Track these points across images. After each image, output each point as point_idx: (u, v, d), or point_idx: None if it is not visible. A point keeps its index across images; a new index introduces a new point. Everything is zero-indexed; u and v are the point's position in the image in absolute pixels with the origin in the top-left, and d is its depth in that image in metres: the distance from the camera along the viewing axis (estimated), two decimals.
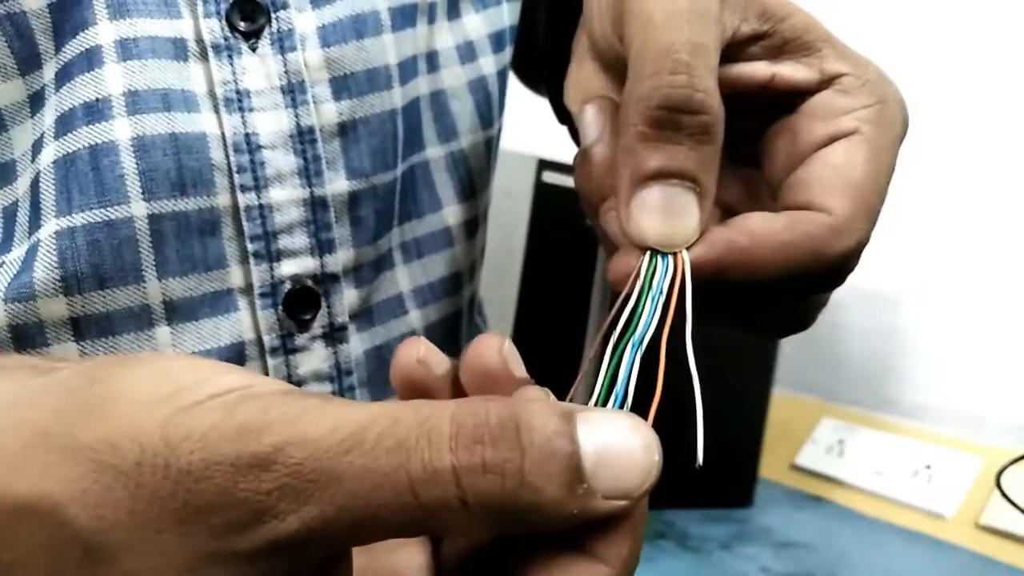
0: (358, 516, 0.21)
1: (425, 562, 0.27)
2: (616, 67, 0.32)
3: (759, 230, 0.29)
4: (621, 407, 0.25)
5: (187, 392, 0.22)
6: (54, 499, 0.22)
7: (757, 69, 0.32)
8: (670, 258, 0.28)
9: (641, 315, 0.27)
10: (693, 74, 0.28)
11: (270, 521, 0.21)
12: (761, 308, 0.32)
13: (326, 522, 0.21)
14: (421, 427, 0.21)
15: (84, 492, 0.22)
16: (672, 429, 0.25)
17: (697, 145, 0.28)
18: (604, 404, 0.26)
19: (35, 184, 0.33)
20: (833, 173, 0.30)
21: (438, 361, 0.27)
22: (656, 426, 0.24)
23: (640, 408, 0.25)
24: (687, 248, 0.28)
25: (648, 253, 0.28)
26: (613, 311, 0.27)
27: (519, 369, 0.26)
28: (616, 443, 0.22)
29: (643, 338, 0.27)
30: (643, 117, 0.28)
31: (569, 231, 0.73)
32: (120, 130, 0.33)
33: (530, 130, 0.53)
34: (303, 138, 0.36)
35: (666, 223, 0.28)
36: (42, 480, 0.22)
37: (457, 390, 0.27)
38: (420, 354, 0.27)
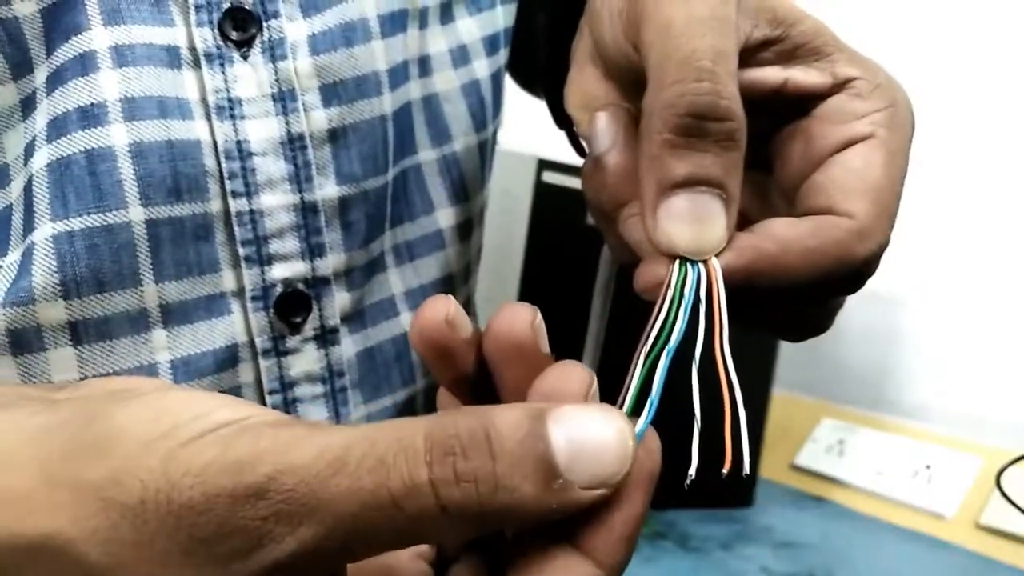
0: (349, 533, 0.22)
1: (423, 555, 0.28)
2: (622, 73, 0.32)
3: (785, 236, 0.29)
4: (701, 425, 0.25)
5: (184, 428, 0.23)
6: (65, 538, 0.22)
7: (769, 74, 0.32)
8: (700, 266, 0.28)
9: (675, 324, 0.27)
10: (717, 81, 0.27)
11: (268, 545, 0.22)
12: (781, 312, 0.32)
13: (320, 541, 0.22)
14: (398, 444, 0.22)
15: (94, 530, 0.22)
16: (678, 431, 0.26)
17: (723, 152, 0.28)
18: (635, 413, 0.25)
19: (28, 187, 0.33)
20: (853, 177, 0.30)
21: (464, 324, 0.27)
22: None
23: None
24: (715, 256, 0.28)
25: (677, 261, 0.28)
26: (650, 321, 0.27)
27: (545, 345, 0.26)
28: (588, 434, 0.22)
29: (676, 347, 0.26)
30: (668, 124, 0.28)
31: (569, 231, 0.74)
32: (117, 136, 0.33)
33: (530, 130, 0.54)
34: (294, 145, 0.36)
35: (695, 231, 0.28)
36: (52, 520, 0.23)
37: (479, 358, 0.27)
38: (449, 314, 0.27)
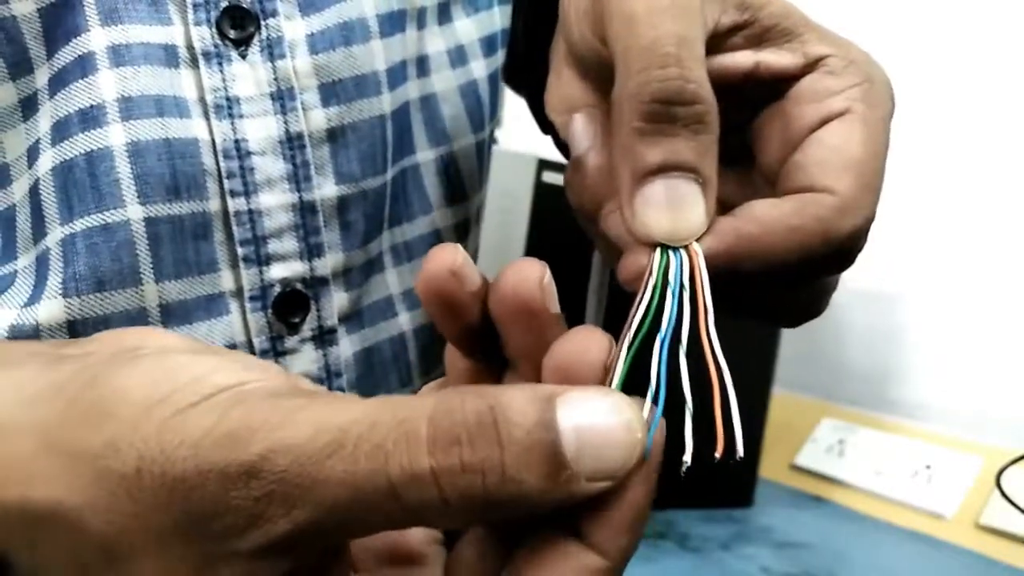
0: (344, 517, 0.21)
1: (433, 536, 0.28)
2: (596, 73, 0.32)
3: (767, 216, 0.29)
4: (681, 412, 0.25)
5: (181, 393, 0.23)
6: (67, 505, 0.22)
7: (740, 59, 0.32)
8: (682, 252, 0.28)
9: (663, 312, 0.27)
10: (683, 65, 0.27)
11: (263, 525, 0.21)
12: (772, 296, 0.32)
13: (315, 523, 0.21)
14: (399, 429, 0.21)
15: (94, 498, 0.22)
16: (675, 428, 0.25)
17: (694, 135, 0.28)
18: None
19: (35, 192, 0.33)
20: (831, 153, 0.30)
21: (471, 276, 0.26)
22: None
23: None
24: (696, 240, 0.28)
25: (658, 249, 0.28)
26: (632, 310, 0.27)
27: (554, 304, 0.26)
28: (596, 423, 0.22)
29: (670, 334, 0.26)
30: (637, 113, 0.27)
31: (569, 231, 0.73)
32: (115, 136, 0.33)
33: (530, 130, 0.54)
34: (292, 144, 0.36)
35: (672, 217, 0.28)
36: (54, 487, 0.23)
37: (484, 313, 0.27)
38: (457, 264, 0.26)
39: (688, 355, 0.26)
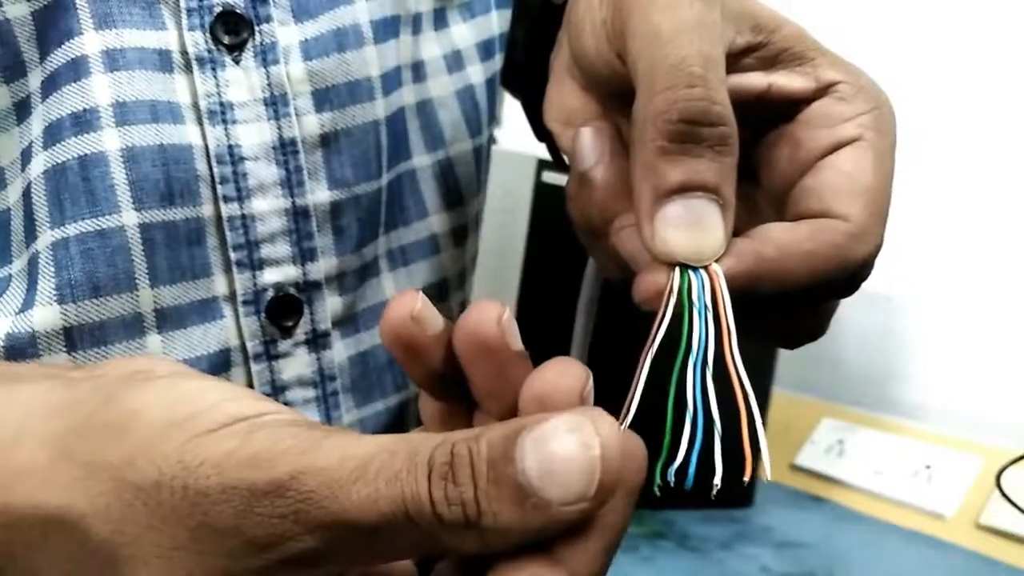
0: (366, 538, 0.22)
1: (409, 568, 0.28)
2: (602, 85, 0.32)
3: (784, 240, 0.29)
4: (707, 432, 0.25)
5: (200, 418, 0.23)
6: (79, 512, 0.23)
7: (753, 80, 0.32)
8: (702, 272, 0.28)
9: (691, 332, 0.27)
10: (709, 86, 0.27)
11: (285, 543, 0.22)
12: (776, 319, 0.32)
13: (337, 543, 0.22)
14: (411, 461, 0.22)
15: (107, 507, 0.23)
16: (673, 430, 0.25)
17: (717, 156, 0.28)
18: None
19: (27, 195, 0.33)
20: (845, 180, 0.30)
21: (432, 320, 0.27)
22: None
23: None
24: (716, 261, 0.28)
25: (677, 269, 0.28)
26: (653, 329, 0.27)
27: (515, 342, 0.26)
28: (556, 450, 0.22)
29: (706, 355, 0.26)
30: (662, 131, 0.27)
31: (569, 231, 0.74)
32: (109, 141, 0.33)
33: (530, 130, 0.54)
34: (285, 149, 0.36)
35: (693, 237, 0.28)
36: (68, 494, 0.23)
37: (448, 353, 0.27)
38: (415, 310, 0.27)
39: (724, 376, 0.26)
